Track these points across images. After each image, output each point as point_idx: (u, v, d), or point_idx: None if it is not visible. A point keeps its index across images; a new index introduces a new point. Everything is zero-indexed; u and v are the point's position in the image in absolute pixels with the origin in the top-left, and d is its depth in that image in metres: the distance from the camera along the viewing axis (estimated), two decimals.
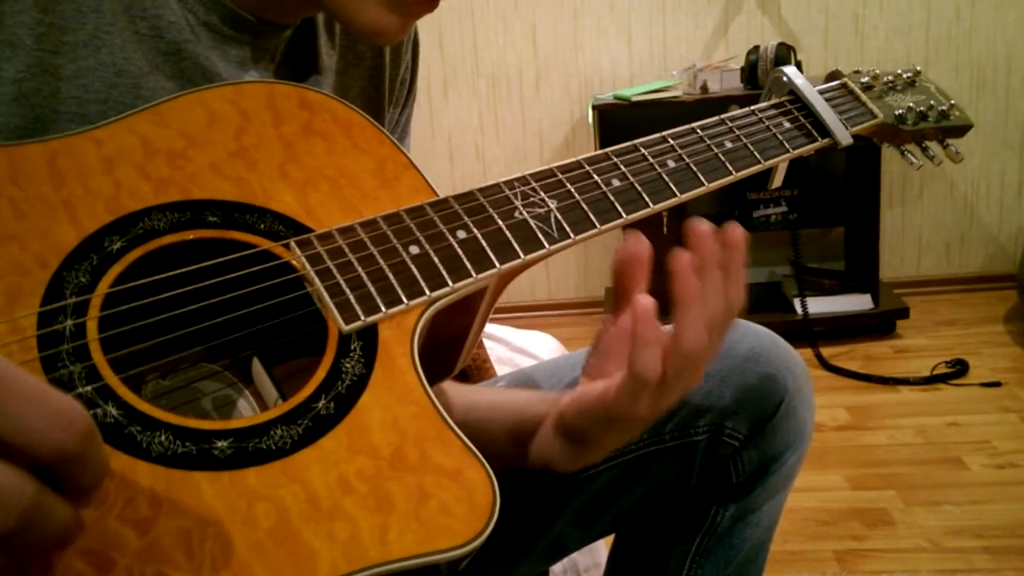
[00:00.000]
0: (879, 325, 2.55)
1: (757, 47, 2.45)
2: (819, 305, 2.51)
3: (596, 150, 0.63)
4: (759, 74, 2.42)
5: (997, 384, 2.14)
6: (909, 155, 0.82)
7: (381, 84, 0.73)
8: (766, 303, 2.68)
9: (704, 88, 2.48)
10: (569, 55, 2.81)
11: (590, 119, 2.57)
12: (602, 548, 1.19)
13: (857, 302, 2.54)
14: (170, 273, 0.47)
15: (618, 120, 2.47)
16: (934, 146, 0.83)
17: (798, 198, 2.56)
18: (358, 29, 0.59)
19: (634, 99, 2.45)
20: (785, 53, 2.39)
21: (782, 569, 1.50)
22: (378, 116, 0.72)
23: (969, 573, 1.46)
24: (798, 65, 2.43)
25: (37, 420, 0.32)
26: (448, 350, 0.59)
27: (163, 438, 0.42)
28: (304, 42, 0.66)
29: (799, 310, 2.47)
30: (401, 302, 0.50)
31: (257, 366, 0.51)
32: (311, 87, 0.59)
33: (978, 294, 2.78)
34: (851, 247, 2.74)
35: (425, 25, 2.93)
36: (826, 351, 2.38)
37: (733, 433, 0.73)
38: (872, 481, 1.78)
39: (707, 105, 2.40)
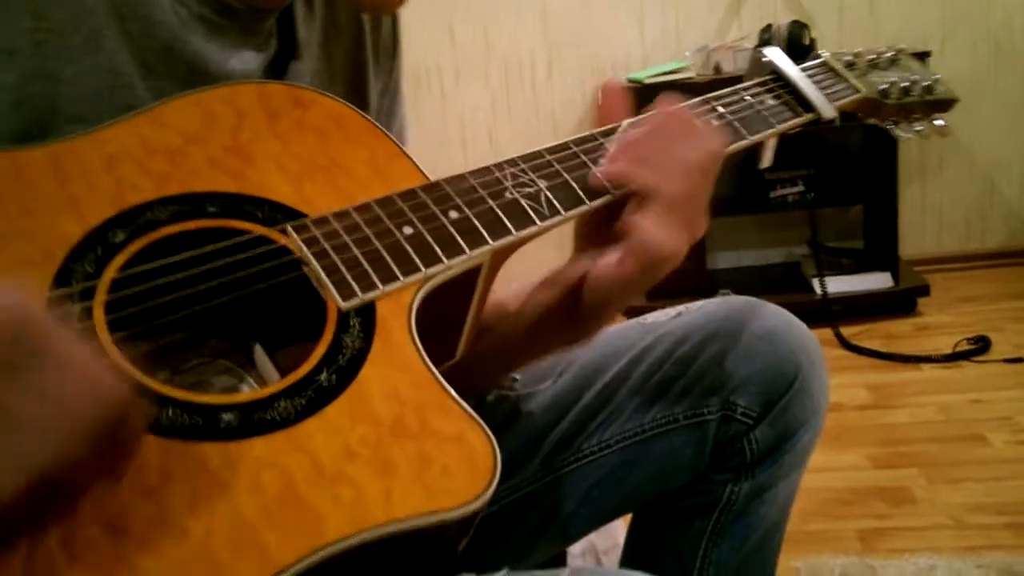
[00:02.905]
0: (899, 303, 2.53)
1: (770, 26, 2.43)
2: (838, 284, 2.49)
3: None
4: None
5: (1020, 360, 2.12)
6: (895, 129, 0.83)
7: (363, 48, 0.73)
8: (784, 283, 2.67)
9: (717, 68, 2.47)
10: (581, 38, 2.80)
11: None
12: (620, 528, 1.19)
13: (877, 280, 2.52)
14: (172, 259, 0.49)
15: (631, 103, 2.45)
16: (921, 122, 0.84)
17: (815, 177, 2.53)
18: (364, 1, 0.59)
19: (647, 81, 2.44)
20: (798, 31, 2.37)
21: (804, 548, 1.49)
22: (363, 79, 0.73)
23: (992, 550, 1.45)
24: (812, 43, 2.40)
25: (71, 385, 0.36)
26: (449, 333, 0.60)
27: (171, 412, 0.44)
28: (282, 20, 0.66)
29: (818, 290, 2.45)
30: (397, 279, 0.52)
31: (259, 351, 0.52)
32: (303, 86, 0.61)
33: (1000, 270, 2.74)
34: (870, 225, 2.71)
35: (436, 12, 2.88)
36: (846, 330, 2.36)
37: (746, 412, 0.73)
38: (894, 459, 1.77)
39: (720, 86, 2.36)
